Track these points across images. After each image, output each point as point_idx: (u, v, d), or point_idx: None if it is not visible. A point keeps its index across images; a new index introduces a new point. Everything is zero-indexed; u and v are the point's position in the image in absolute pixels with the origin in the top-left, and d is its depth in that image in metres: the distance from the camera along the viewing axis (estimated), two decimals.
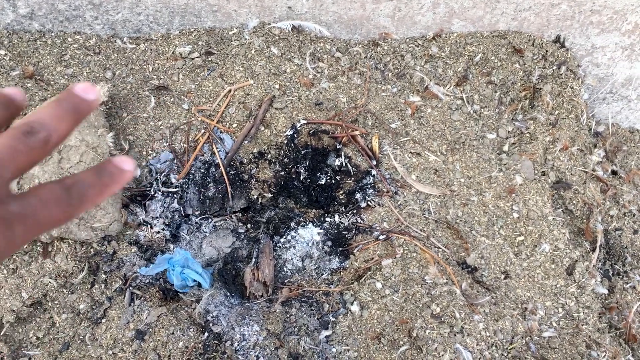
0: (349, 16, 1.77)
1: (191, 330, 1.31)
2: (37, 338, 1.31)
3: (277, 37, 1.72)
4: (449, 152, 1.71)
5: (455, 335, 1.32)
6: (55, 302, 1.34)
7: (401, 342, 1.32)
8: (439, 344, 1.30)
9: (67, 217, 0.44)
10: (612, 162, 1.99)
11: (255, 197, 1.58)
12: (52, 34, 1.68)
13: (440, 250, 1.53)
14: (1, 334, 1.28)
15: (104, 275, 1.38)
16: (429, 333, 1.31)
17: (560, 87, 1.80)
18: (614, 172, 2.00)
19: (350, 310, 1.41)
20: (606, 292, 1.70)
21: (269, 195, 1.59)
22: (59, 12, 1.65)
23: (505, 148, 1.76)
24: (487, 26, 1.85)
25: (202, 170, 1.56)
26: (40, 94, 1.55)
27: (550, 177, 1.73)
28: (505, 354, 1.38)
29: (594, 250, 1.75)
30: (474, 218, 1.62)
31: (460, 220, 1.61)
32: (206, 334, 1.31)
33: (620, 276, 1.83)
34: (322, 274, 1.49)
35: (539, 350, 1.42)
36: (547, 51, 1.85)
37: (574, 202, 1.76)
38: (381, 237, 1.51)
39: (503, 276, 1.54)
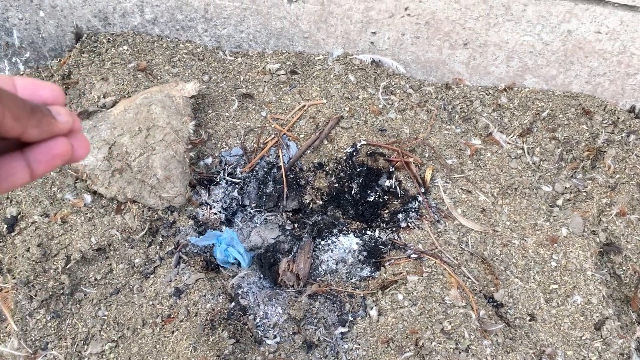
0: (426, 58, 1.92)
1: (221, 297, 1.46)
2: (95, 279, 1.52)
3: (356, 67, 1.90)
4: (499, 195, 1.77)
5: (459, 352, 1.36)
6: (117, 252, 1.55)
7: (407, 350, 1.39)
8: (442, 357, 1.35)
9: None
10: None
11: (307, 201, 1.73)
12: (168, 39, 1.98)
13: (469, 280, 1.58)
14: (67, 267, 1.50)
15: (160, 239, 1.58)
16: (434, 345, 1.37)
17: (625, 154, 1.82)
18: None
19: (368, 314, 1.50)
20: None
21: (320, 202, 1.73)
22: (177, 22, 1.94)
23: (559, 202, 1.79)
24: (560, 86, 1.92)
25: (265, 170, 1.75)
26: (146, 84, 1.82)
27: (599, 237, 1.73)
28: None
29: None
30: (511, 259, 1.66)
31: (497, 259, 1.66)
32: (233, 304, 1.45)
33: None
34: (352, 279, 1.60)
35: None
36: (618, 118, 1.88)
37: (624, 268, 1.74)
38: (413, 255, 1.60)
39: (529, 318, 1.56)
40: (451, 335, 1.40)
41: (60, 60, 2.04)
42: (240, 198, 1.71)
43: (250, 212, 1.71)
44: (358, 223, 1.71)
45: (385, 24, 1.84)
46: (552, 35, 1.79)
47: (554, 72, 1.89)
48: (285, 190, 1.73)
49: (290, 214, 1.73)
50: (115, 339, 1.43)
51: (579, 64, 1.86)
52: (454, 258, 1.62)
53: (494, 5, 1.74)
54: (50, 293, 1.46)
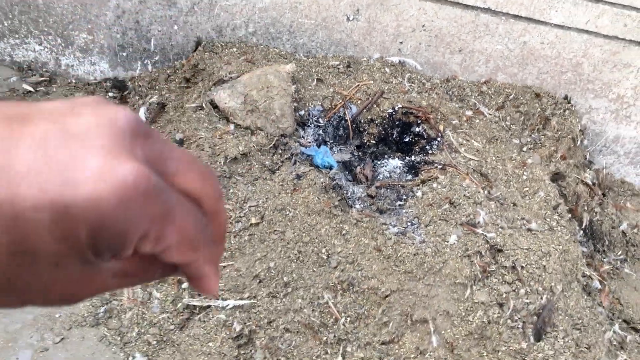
0: (434, 60, 2.94)
1: (327, 178, 2.33)
2: (241, 172, 2.37)
3: (389, 64, 2.90)
4: (487, 143, 2.74)
5: (476, 205, 2.27)
6: (254, 157, 2.40)
7: (443, 205, 2.28)
8: (467, 207, 2.25)
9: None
10: (603, 195, 2.94)
11: (365, 141, 2.65)
12: (262, 45, 2.93)
13: (474, 182, 2.51)
14: (226, 162, 2.34)
15: (280, 150, 2.45)
16: (461, 202, 2.27)
17: (563, 120, 2.84)
18: (604, 195, 2.94)
19: (416, 195, 2.39)
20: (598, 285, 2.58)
21: (373, 142, 2.66)
22: (269, 34, 2.91)
23: (524, 149, 2.77)
24: (520, 80, 2.97)
25: (337, 121, 2.67)
26: (254, 68, 2.75)
27: (551, 168, 2.71)
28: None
29: (580, 226, 2.66)
30: (497, 175, 2.60)
31: (490, 174, 2.59)
32: (335, 181, 2.32)
33: (600, 254, 2.71)
34: (400, 181, 2.50)
35: None
36: (557, 101, 2.92)
37: (567, 190, 2.71)
38: (438, 166, 2.52)
39: (512, 205, 2.48)
40: (470, 198, 2.30)
41: (181, 62, 2.96)
42: (323, 135, 2.62)
43: (329, 144, 2.61)
44: (399, 153, 2.63)
45: (408, 36, 2.87)
46: (514, 44, 2.85)
47: (516, 71, 2.93)
48: (351, 133, 2.64)
49: (355, 148, 2.64)
50: (265, 199, 2.26)
51: (532, 66, 2.91)
52: (464, 171, 2.55)
53: (479, 24, 2.79)
54: (219, 175, 2.30)
